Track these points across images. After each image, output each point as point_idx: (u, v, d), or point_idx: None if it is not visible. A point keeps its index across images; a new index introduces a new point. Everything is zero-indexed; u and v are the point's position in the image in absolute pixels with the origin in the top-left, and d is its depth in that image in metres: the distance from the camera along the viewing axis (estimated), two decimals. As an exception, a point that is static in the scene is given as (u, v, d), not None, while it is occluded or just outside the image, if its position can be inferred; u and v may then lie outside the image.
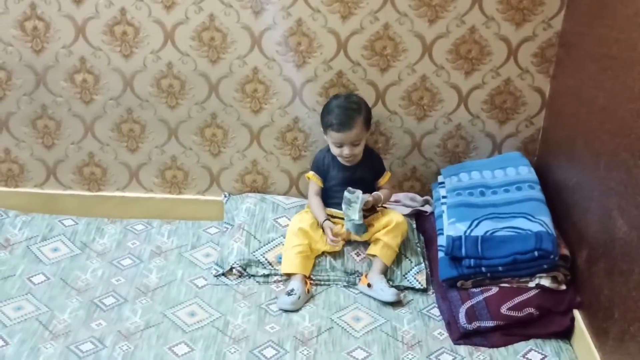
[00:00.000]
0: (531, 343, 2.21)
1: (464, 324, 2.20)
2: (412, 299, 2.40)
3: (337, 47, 2.51)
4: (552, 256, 2.22)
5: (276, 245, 2.49)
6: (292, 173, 2.76)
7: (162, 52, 2.52)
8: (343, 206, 2.38)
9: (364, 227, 2.40)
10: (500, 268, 2.26)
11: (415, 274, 2.44)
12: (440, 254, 2.38)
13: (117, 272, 2.44)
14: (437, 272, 2.43)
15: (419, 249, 2.54)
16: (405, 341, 2.19)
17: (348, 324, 2.25)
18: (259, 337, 2.18)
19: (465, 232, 2.34)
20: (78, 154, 2.69)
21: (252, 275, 2.46)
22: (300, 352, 2.12)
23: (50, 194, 2.75)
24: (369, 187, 2.52)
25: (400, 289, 2.42)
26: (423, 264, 2.47)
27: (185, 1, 2.43)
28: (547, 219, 2.36)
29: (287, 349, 2.13)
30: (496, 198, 2.50)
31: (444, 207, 2.52)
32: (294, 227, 2.42)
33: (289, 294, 2.31)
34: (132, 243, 2.61)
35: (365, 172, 2.51)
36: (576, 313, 2.22)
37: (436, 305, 2.37)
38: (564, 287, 2.25)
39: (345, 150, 2.41)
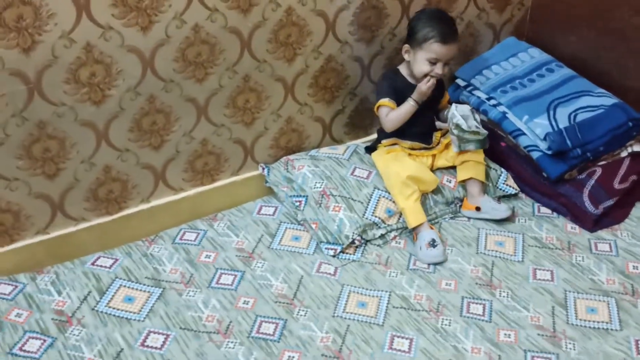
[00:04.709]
0: (638, 207, 2.37)
1: (593, 210, 2.25)
2: (514, 207, 2.36)
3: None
4: (641, 121, 2.37)
5: (378, 200, 2.21)
6: (325, 119, 2.42)
7: (187, 14, 1.94)
8: (453, 125, 2.17)
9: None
10: (601, 148, 2.32)
11: (504, 181, 2.39)
12: (536, 154, 2.34)
13: (230, 295, 1.95)
14: (523, 174, 2.42)
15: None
16: (561, 247, 2.17)
17: (501, 252, 2.14)
18: (450, 298, 1.96)
19: (552, 125, 2.34)
20: (90, 174, 2.01)
21: (368, 241, 2.17)
22: (499, 297, 1.97)
23: (56, 238, 2.04)
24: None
25: (497, 199, 2.37)
26: (503, 169, 2.43)
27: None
28: (605, 90, 2.47)
29: (486, 298, 1.97)
30: (539, 85, 2.52)
31: (502, 108, 2.46)
32: (401, 175, 2.16)
33: (433, 245, 2.10)
34: (206, 256, 2.09)
35: (437, 94, 2.31)
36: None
37: (539, 205, 2.37)
38: (647, 147, 2.42)
39: (438, 69, 2.16)
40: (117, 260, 2.06)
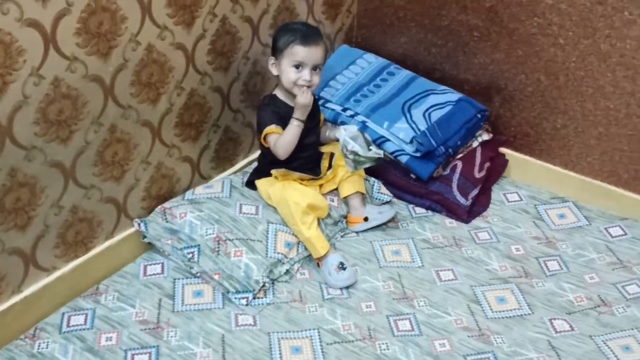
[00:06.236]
0: (496, 189, 2.53)
1: (464, 202, 2.38)
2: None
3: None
4: (486, 112, 2.52)
5: (275, 235, 2.09)
6: (193, 158, 2.24)
7: (44, 67, 1.64)
8: (348, 151, 2.11)
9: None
10: (459, 142, 2.45)
11: (378, 190, 2.41)
12: (405, 158, 2.39)
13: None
14: (391, 178, 2.46)
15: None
16: (449, 244, 2.26)
17: (401, 261, 2.16)
18: (377, 321, 1.94)
19: (413, 127, 2.41)
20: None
21: (274, 280, 2.05)
22: (419, 307, 1.99)
23: None
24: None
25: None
26: (374, 178, 2.44)
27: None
28: (446, 87, 2.59)
29: (408, 311, 1.97)
30: (386, 90, 2.58)
31: (361, 118, 2.47)
32: (301, 205, 2.07)
33: (342, 268, 2.05)
34: (106, 339, 1.82)
35: (316, 118, 2.25)
36: (503, 150, 2.62)
37: (413, 206, 2.43)
38: (491, 134, 2.60)
39: (306, 74, 2.07)
40: (4, 373, 1.72)
